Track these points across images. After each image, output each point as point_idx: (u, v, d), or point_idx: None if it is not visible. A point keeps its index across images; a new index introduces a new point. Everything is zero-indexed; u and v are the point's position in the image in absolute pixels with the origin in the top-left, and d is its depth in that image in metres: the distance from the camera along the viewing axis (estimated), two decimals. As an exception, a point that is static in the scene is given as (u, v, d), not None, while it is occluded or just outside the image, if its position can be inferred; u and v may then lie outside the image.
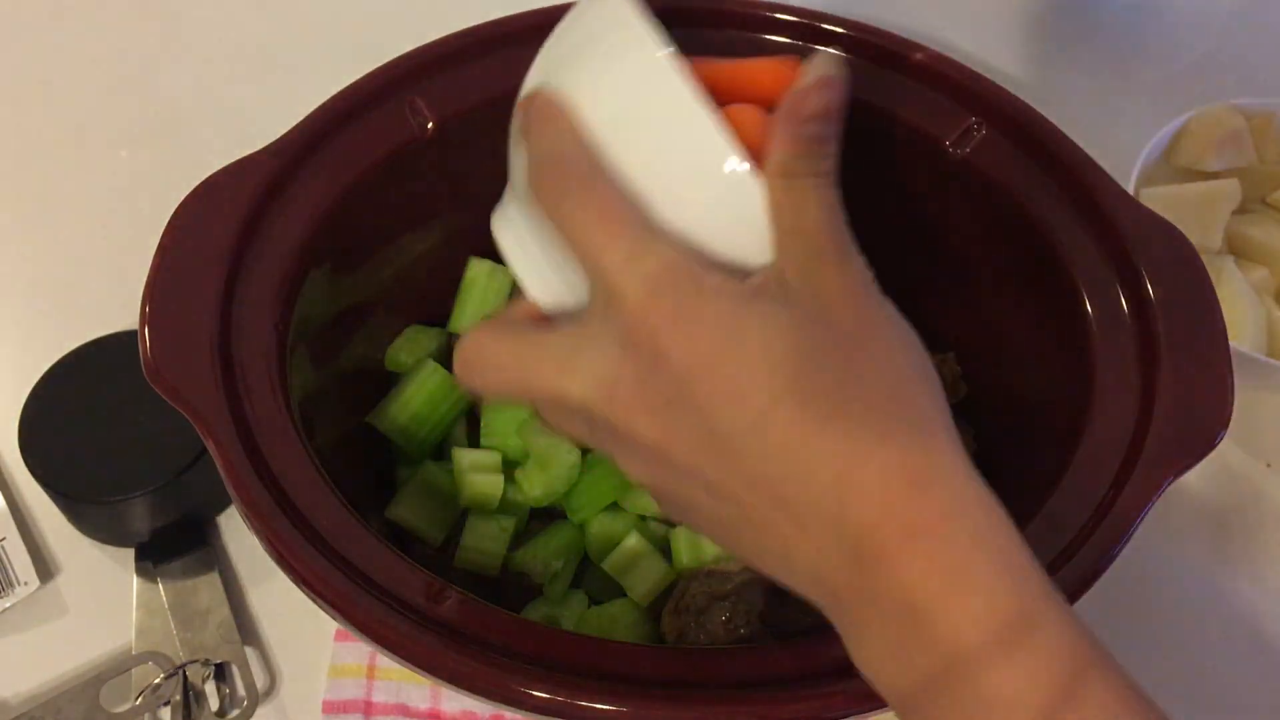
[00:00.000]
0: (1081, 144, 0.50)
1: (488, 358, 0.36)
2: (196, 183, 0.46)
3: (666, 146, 0.34)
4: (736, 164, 0.33)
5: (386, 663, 0.51)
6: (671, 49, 0.34)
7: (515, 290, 0.56)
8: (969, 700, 0.30)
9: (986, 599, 0.30)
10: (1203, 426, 0.43)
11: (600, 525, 0.51)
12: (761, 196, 0.34)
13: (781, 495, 0.32)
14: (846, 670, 0.37)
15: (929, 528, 0.30)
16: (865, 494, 0.31)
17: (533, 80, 0.37)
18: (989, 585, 0.30)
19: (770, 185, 0.34)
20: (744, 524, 0.33)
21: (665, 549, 0.50)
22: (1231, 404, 0.43)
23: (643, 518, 0.51)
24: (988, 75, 0.51)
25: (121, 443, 0.53)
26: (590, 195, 0.33)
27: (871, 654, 0.32)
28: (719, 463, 0.32)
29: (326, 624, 0.51)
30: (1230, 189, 0.63)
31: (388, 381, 0.54)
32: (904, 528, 0.31)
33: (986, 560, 0.31)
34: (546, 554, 0.50)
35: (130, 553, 0.55)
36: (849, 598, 0.32)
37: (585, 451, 0.51)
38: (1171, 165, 0.65)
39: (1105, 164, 0.49)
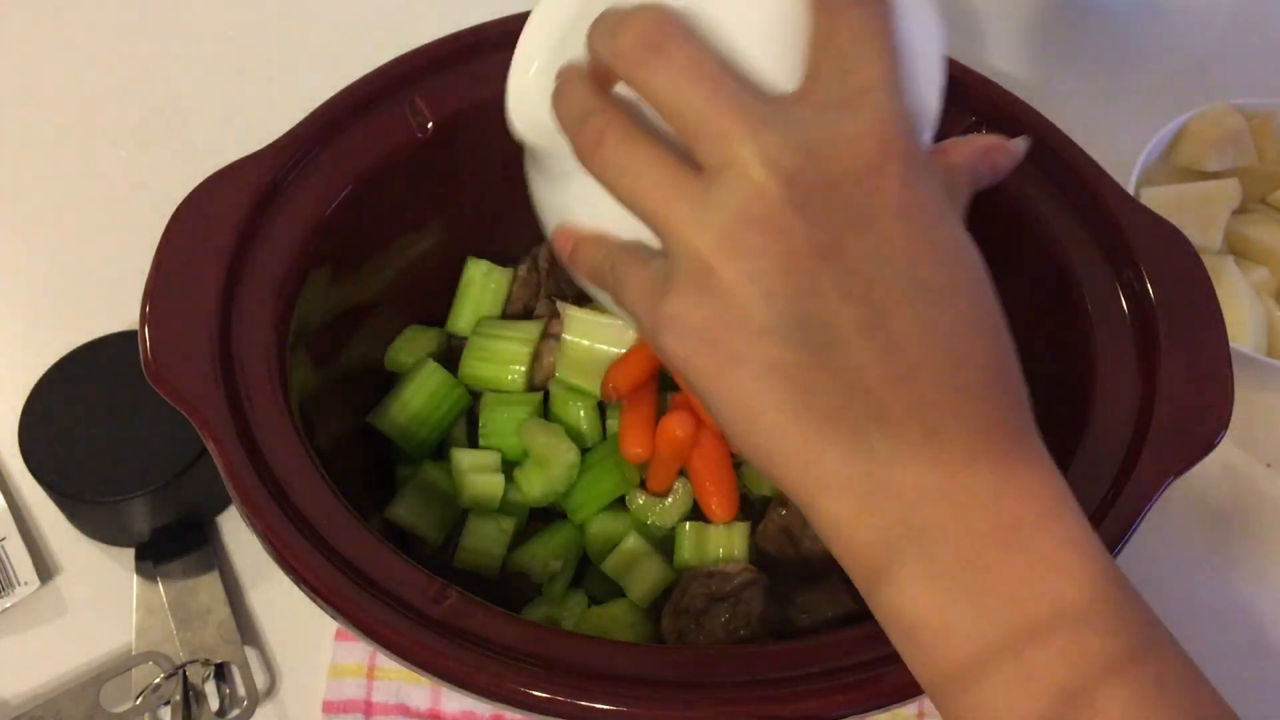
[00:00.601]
0: (1081, 144, 0.50)
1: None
2: (196, 183, 0.46)
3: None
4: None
5: (386, 663, 0.51)
6: None
7: (512, 291, 0.56)
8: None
9: (1082, 526, 0.33)
10: (1203, 426, 0.43)
11: (600, 525, 0.51)
12: None
13: (919, 357, 0.31)
14: (846, 670, 0.38)
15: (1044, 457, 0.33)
16: (1018, 387, 0.33)
17: None
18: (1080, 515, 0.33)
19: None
20: (838, 383, 0.31)
21: (665, 550, 0.50)
22: (1231, 404, 0.43)
23: (642, 518, 0.51)
24: (988, 75, 0.51)
25: (121, 443, 0.53)
26: (887, 18, 0.34)
27: (936, 554, 0.31)
28: (878, 307, 0.31)
29: (326, 624, 0.51)
30: (1230, 189, 0.63)
31: (388, 381, 0.54)
32: (1031, 445, 0.33)
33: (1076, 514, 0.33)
34: (546, 554, 0.50)
35: (130, 553, 0.55)
36: (928, 494, 0.31)
37: (585, 451, 0.51)
38: (1171, 165, 0.65)
39: (1105, 164, 0.49)
